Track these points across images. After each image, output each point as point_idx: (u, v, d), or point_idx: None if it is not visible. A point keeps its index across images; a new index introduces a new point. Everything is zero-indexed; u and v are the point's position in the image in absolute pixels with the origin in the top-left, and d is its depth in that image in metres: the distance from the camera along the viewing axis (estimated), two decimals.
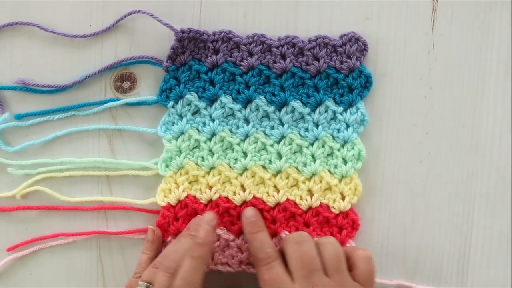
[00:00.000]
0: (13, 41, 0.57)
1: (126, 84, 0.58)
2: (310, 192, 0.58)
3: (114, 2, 0.57)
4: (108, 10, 0.57)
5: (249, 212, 0.56)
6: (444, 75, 0.58)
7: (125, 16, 0.56)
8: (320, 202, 0.58)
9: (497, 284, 0.60)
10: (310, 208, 0.58)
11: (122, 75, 0.58)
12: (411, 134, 0.59)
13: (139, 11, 0.56)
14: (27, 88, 0.57)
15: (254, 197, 0.57)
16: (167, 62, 0.56)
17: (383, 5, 0.57)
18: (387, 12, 0.57)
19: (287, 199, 0.58)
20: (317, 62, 0.56)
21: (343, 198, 0.58)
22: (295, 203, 0.58)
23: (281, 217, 0.58)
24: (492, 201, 0.60)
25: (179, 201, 0.58)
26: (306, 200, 0.58)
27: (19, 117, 0.57)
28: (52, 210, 0.58)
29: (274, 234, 0.58)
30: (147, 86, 0.58)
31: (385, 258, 0.60)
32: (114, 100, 0.57)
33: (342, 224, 0.58)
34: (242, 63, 0.56)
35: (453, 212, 0.60)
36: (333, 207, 0.58)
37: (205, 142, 0.57)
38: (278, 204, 0.58)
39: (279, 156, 0.58)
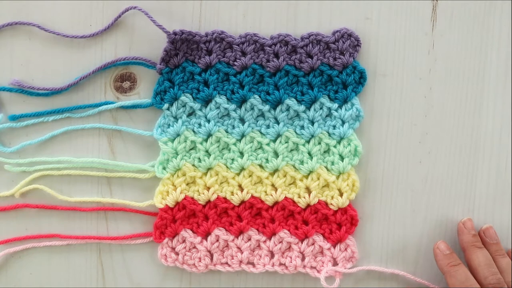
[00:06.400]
0: (13, 41, 0.57)
1: (126, 84, 0.58)
2: (308, 190, 0.58)
3: (114, 2, 0.56)
4: (108, 10, 0.57)
5: (443, 245, 0.57)
6: (444, 75, 0.58)
7: (122, 13, 0.56)
8: (318, 199, 0.58)
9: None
10: (308, 205, 0.58)
11: (122, 75, 0.58)
12: (411, 134, 0.59)
13: (135, 8, 0.55)
14: (23, 90, 0.57)
15: (252, 196, 0.58)
16: (160, 64, 0.56)
17: (383, 5, 0.57)
18: (387, 12, 0.57)
19: (285, 198, 0.58)
20: (310, 59, 0.56)
21: (341, 194, 0.58)
22: (293, 201, 0.58)
23: (280, 215, 0.58)
24: (492, 201, 0.60)
25: (177, 203, 0.58)
26: (304, 197, 0.58)
27: (14, 118, 0.57)
28: (52, 210, 0.58)
29: (273, 233, 0.58)
30: (147, 86, 0.58)
31: (385, 257, 0.60)
32: (110, 103, 0.57)
33: (341, 221, 0.58)
34: (235, 63, 0.56)
35: (453, 211, 0.60)
36: (331, 204, 0.58)
37: (201, 143, 0.57)
38: (276, 203, 0.58)
39: (276, 154, 0.58)
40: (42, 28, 0.56)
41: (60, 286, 0.59)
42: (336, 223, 0.58)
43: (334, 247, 0.58)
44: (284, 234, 0.58)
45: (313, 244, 0.58)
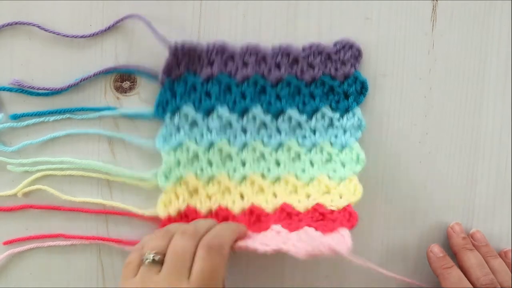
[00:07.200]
0: (13, 41, 0.57)
1: (126, 84, 0.58)
2: (309, 196, 0.57)
3: (114, 3, 0.56)
4: (108, 10, 0.57)
5: (436, 248, 0.58)
6: (444, 75, 0.58)
7: (121, 19, 0.56)
8: (317, 202, 0.57)
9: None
10: (306, 208, 0.57)
11: (122, 75, 0.57)
12: (411, 134, 0.59)
13: (136, 16, 0.55)
14: (23, 90, 0.57)
15: (253, 204, 0.57)
16: (162, 75, 0.56)
17: (383, 5, 0.57)
18: (387, 12, 0.58)
19: (284, 203, 0.57)
20: (312, 70, 0.56)
21: (341, 198, 0.57)
22: (292, 206, 0.57)
23: (277, 218, 0.57)
24: (492, 201, 0.60)
25: (179, 212, 0.57)
26: (304, 202, 0.57)
27: (15, 117, 0.57)
28: (53, 211, 0.58)
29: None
30: (147, 86, 0.58)
31: (385, 258, 0.60)
32: (111, 109, 0.57)
33: (338, 217, 0.56)
34: (237, 73, 0.56)
35: (453, 212, 0.60)
36: (331, 206, 0.57)
37: (203, 153, 0.57)
38: (275, 209, 0.57)
39: (278, 164, 0.58)
40: (42, 28, 0.56)
41: (60, 286, 0.59)
42: (332, 220, 0.56)
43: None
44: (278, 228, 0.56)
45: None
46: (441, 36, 0.58)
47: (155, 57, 0.57)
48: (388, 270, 0.59)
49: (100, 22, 0.57)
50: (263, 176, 0.57)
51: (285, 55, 0.56)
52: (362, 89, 0.57)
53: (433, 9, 0.58)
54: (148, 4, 0.56)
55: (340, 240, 0.52)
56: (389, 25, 0.58)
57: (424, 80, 0.58)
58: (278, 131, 0.57)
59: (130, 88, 0.58)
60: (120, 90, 0.58)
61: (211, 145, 0.57)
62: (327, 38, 0.57)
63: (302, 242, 0.51)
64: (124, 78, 0.57)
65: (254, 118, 0.57)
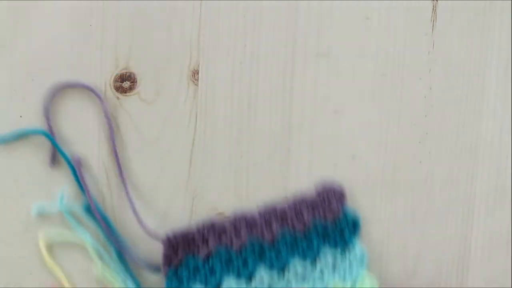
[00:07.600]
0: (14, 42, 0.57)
1: (126, 84, 0.58)
2: None
3: (114, 3, 0.56)
4: (108, 10, 0.57)
5: None
6: (444, 75, 0.58)
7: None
8: None
9: (497, 284, 0.60)
10: None
11: (122, 75, 0.58)
12: (411, 134, 0.59)
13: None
14: None
15: None
16: (164, 267, 0.56)
17: (383, 5, 0.58)
18: (387, 12, 0.58)
19: None
20: (301, 218, 0.57)
21: None
22: None
23: None
24: (492, 201, 0.60)
25: None
26: None
27: (87, 209, 0.57)
28: None
29: None
30: (147, 86, 0.58)
31: (385, 259, 0.60)
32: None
33: None
34: (233, 243, 0.57)
35: (453, 212, 0.60)
36: None
37: None
38: None
39: None
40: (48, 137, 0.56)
41: (60, 286, 0.59)
42: None
43: None
44: None
45: None
46: (441, 36, 0.58)
47: (157, 56, 0.57)
48: (387, 270, 0.59)
49: (100, 22, 0.57)
50: None
51: (273, 212, 0.57)
52: (355, 224, 0.57)
53: (433, 9, 0.58)
54: (148, 4, 0.56)
55: None
56: (389, 25, 0.58)
57: (424, 80, 0.58)
58: (289, 282, 0.57)
59: (130, 88, 0.58)
60: (120, 90, 0.58)
61: None
62: (327, 37, 0.57)
63: None
64: (124, 78, 0.58)
65: (262, 278, 0.57)
